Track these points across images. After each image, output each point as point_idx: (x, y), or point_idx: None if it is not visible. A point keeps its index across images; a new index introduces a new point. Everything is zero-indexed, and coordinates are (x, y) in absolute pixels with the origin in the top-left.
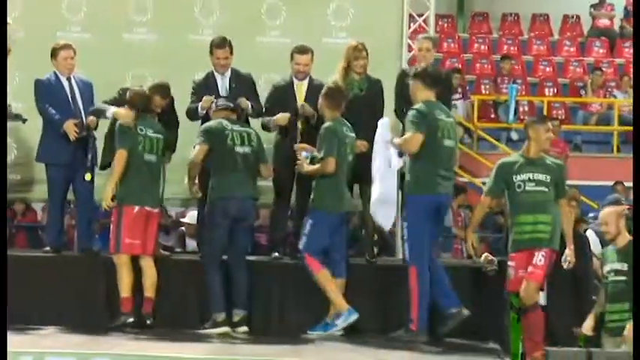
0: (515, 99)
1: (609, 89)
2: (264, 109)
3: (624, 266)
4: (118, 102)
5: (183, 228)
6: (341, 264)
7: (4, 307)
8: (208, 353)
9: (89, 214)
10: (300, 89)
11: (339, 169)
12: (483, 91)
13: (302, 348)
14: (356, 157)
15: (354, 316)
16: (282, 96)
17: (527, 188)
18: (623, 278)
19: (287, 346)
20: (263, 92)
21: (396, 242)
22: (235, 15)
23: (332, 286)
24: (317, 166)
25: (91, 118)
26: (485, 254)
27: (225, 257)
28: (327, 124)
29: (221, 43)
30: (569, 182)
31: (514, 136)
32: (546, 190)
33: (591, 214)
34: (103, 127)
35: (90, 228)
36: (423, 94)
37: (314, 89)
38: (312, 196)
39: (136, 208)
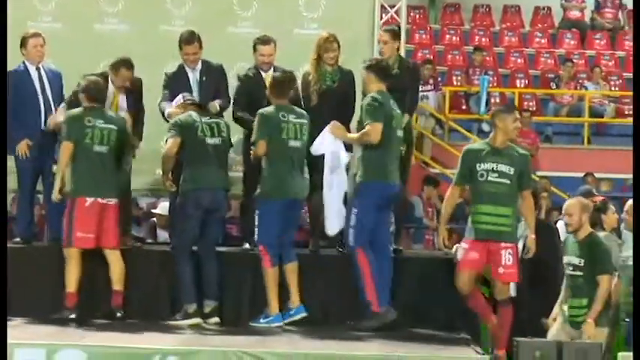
0: (487, 90)
1: (580, 81)
2: (232, 101)
3: (581, 262)
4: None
5: (154, 219)
6: (290, 250)
7: (4, 304)
8: (179, 344)
9: (59, 205)
10: (267, 80)
11: (279, 156)
12: (455, 83)
13: (272, 339)
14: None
15: (278, 322)
16: (250, 87)
17: (489, 178)
18: (580, 274)
19: (257, 337)
20: (236, 83)
21: None
22: (207, 6)
23: (274, 287)
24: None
25: (60, 109)
26: (457, 245)
27: (195, 248)
28: (262, 109)
29: (190, 39)
30: (540, 173)
31: (485, 127)
32: (508, 182)
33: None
34: None
35: (60, 219)
36: (375, 86)
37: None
38: (258, 186)
39: (88, 200)
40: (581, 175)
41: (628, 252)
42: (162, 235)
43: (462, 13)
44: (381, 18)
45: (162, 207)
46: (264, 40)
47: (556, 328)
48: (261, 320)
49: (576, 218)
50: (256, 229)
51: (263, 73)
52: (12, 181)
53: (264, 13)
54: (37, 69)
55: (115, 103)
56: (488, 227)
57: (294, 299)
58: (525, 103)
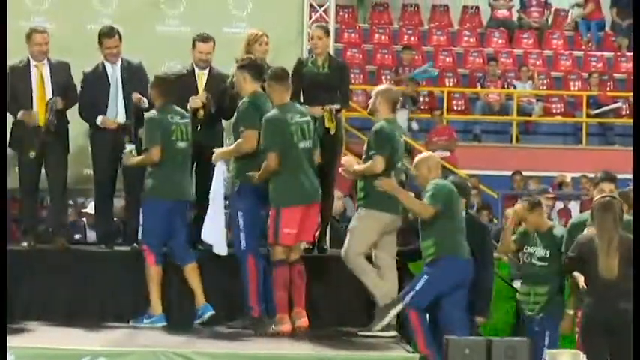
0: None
1: (508, 80)
2: None
3: (547, 252)
4: None
5: (84, 219)
6: (184, 250)
7: (4, 306)
8: (109, 344)
9: None
10: (201, 78)
11: (168, 157)
12: (384, 82)
13: (200, 339)
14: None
15: (162, 323)
16: (184, 85)
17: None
18: (545, 264)
19: (187, 337)
20: None
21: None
22: (134, 3)
23: (156, 287)
24: (140, 158)
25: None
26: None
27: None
28: (150, 113)
29: (110, 32)
30: (469, 172)
31: (415, 126)
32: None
33: None
34: None
35: None
36: (249, 86)
37: (214, 78)
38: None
39: None
40: (510, 173)
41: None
42: (92, 235)
43: (390, 13)
44: (310, 17)
45: (93, 207)
46: (204, 38)
47: None
48: (145, 320)
49: (536, 216)
50: (141, 228)
51: (197, 71)
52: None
53: (193, 11)
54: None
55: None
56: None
57: (199, 299)
58: (454, 101)
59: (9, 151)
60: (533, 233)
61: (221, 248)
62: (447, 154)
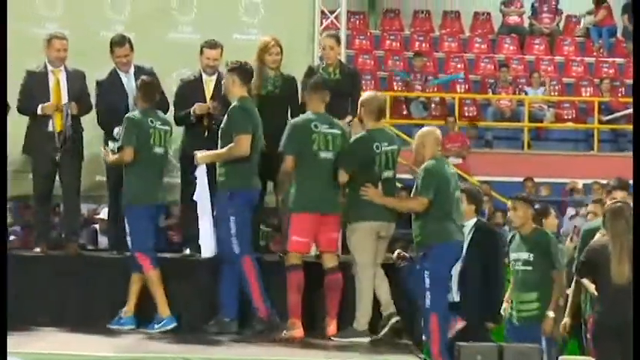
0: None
1: (520, 86)
2: (172, 104)
3: (531, 256)
4: None
5: (96, 225)
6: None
7: (4, 307)
8: (119, 351)
9: None
10: (209, 84)
11: (144, 160)
12: (395, 88)
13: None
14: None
15: (172, 324)
16: (191, 91)
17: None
18: (530, 268)
19: (197, 345)
20: (174, 88)
21: None
22: (146, 10)
23: (159, 289)
24: (115, 156)
25: None
26: (398, 250)
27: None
28: (130, 113)
29: (120, 41)
30: (480, 178)
31: None
32: None
33: None
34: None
35: None
36: (238, 90)
37: (222, 85)
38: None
39: None
40: (521, 179)
41: None
42: (104, 241)
43: (401, 19)
44: (321, 23)
45: (106, 212)
46: (212, 45)
47: None
48: (156, 326)
49: (520, 213)
50: (129, 237)
51: (205, 77)
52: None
53: (204, 18)
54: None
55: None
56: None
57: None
58: (465, 108)
59: (23, 156)
60: (516, 237)
61: (208, 250)
62: (460, 160)
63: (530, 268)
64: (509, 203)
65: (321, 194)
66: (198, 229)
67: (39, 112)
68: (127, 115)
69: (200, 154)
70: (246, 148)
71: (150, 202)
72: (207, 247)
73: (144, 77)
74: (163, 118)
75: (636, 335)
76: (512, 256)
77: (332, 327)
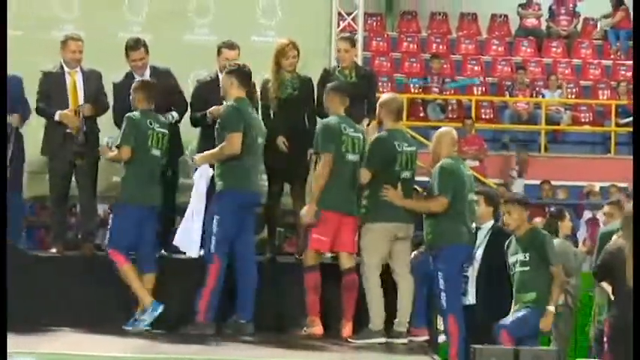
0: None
1: (537, 88)
2: (189, 105)
3: (527, 256)
4: None
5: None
6: (149, 259)
7: (4, 307)
8: (131, 351)
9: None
10: None
11: (140, 160)
12: (412, 90)
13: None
14: (284, 156)
15: (160, 309)
16: (208, 92)
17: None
18: (527, 268)
19: (204, 346)
20: (191, 89)
21: None
22: (164, 12)
23: (136, 282)
24: (115, 153)
25: (15, 115)
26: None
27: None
28: (130, 113)
29: (135, 45)
30: (497, 181)
31: None
32: None
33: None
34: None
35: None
36: (235, 92)
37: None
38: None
39: None
40: (538, 182)
41: None
42: None
43: (418, 21)
44: (338, 25)
45: None
46: (230, 45)
47: None
48: (143, 317)
49: (515, 216)
50: (108, 232)
51: (221, 78)
52: None
53: (221, 19)
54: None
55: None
56: None
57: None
58: (482, 110)
59: (40, 157)
60: (513, 240)
61: (194, 250)
62: (477, 163)
63: (527, 268)
64: (502, 207)
65: (345, 195)
66: (180, 229)
67: (57, 118)
68: (127, 114)
69: (198, 156)
70: (237, 147)
71: (140, 202)
72: (186, 245)
73: (144, 78)
74: (162, 122)
75: (636, 335)
76: (511, 259)
77: (347, 328)
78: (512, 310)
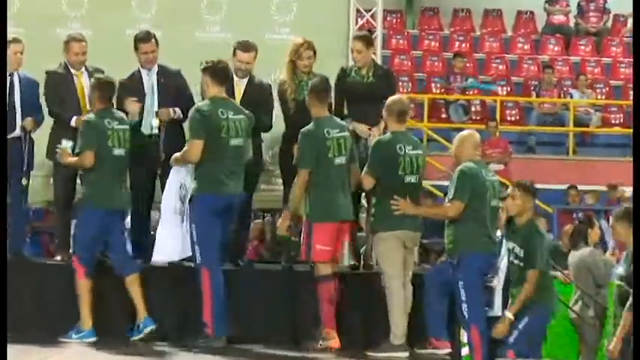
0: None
1: (565, 88)
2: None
3: (521, 252)
4: None
5: None
6: (126, 261)
7: (4, 309)
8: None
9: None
10: (239, 87)
11: (104, 164)
12: (434, 90)
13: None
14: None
15: (91, 338)
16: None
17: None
18: (521, 264)
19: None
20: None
21: None
22: (174, 9)
23: (84, 300)
24: (75, 158)
25: (28, 119)
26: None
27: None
28: (87, 116)
29: (146, 37)
30: None
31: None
32: None
33: None
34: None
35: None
36: (212, 90)
37: (253, 88)
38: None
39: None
40: (565, 187)
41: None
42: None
43: (440, 18)
44: (357, 22)
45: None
46: (246, 47)
47: None
48: (73, 336)
49: (519, 202)
50: (72, 238)
51: (236, 79)
52: None
53: (234, 16)
54: (11, 74)
55: None
56: None
57: (141, 313)
58: (507, 111)
59: (46, 162)
60: (511, 225)
61: (174, 254)
62: (501, 167)
63: (521, 264)
64: (509, 190)
65: (339, 202)
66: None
67: (72, 124)
68: (84, 118)
69: (173, 156)
70: (195, 156)
71: (105, 206)
72: (162, 251)
73: (98, 76)
74: (120, 117)
75: (636, 335)
76: (508, 244)
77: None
78: (508, 303)
